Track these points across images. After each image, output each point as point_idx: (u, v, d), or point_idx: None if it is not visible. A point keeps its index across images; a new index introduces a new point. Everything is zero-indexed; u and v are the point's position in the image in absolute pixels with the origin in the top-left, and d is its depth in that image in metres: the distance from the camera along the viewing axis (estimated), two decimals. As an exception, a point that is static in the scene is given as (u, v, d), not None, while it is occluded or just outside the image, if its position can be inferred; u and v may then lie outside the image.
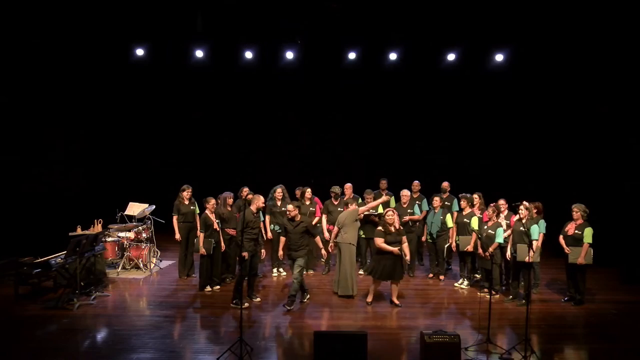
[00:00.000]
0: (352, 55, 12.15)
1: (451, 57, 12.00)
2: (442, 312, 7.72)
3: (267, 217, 9.28)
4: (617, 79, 10.82)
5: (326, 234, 9.15)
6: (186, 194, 9.00)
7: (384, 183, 10.12)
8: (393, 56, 12.11)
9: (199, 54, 12.09)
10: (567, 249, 7.82)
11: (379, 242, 7.55)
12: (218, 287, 8.52)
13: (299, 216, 7.89)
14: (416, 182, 9.94)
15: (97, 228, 9.50)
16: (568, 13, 10.44)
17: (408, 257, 7.83)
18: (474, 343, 6.30)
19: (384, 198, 9.13)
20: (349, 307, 7.84)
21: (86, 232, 9.17)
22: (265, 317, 7.39)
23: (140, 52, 12.04)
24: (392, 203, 10.07)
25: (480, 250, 8.10)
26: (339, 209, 9.11)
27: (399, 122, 13.33)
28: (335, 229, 8.33)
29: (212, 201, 8.39)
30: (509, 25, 10.98)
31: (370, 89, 13.04)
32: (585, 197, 8.34)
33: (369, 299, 7.88)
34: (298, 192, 9.68)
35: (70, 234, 9.05)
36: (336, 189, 9.38)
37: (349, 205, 8.42)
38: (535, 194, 8.78)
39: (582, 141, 11.74)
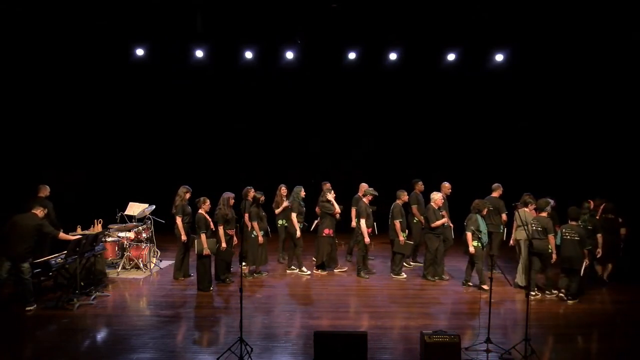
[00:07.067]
0: (352, 55, 12.15)
1: (451, 57, 12.00)
2: (442, 312, 7.72)
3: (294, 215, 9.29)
4: (617, 78, 10.83)
5: (367, 239, 9.05)
6: (189, 195, 9.02)
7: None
8: (393, 56, 12.10)
9: (199, 54, 12.07)
10: None
11: None
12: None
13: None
14: (447, 184, 9.78)
15: (97, 228, 9.50)
16: (568, 13, 10.44)
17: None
18: (474, 343, 6.30)
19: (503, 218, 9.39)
20: (349, 307, 7.84)
21: (86, 232, 9.17)
22: (266, 317, 7.39)
23: (140, 52, 12.04)
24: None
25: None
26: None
27: (399, 122, 13.31)
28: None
29: (208, 202, 8.39)
30: (509, 25, 10.97)
31: (370, 89, 13.02)
32: (584, 196, 8.35)
33: None
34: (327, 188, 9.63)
35: (70, 234, 9.05)
36: (370, 190, 9.28)
37: (530, 205, 8.47)
38: (534, 193, 8.79)
39: (581, 140, 11.76)
